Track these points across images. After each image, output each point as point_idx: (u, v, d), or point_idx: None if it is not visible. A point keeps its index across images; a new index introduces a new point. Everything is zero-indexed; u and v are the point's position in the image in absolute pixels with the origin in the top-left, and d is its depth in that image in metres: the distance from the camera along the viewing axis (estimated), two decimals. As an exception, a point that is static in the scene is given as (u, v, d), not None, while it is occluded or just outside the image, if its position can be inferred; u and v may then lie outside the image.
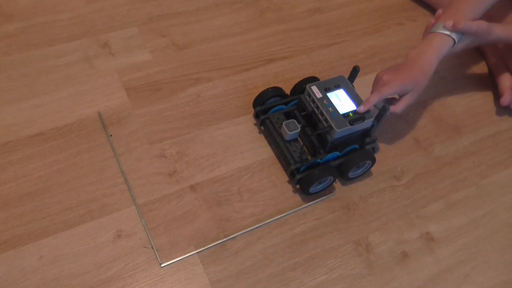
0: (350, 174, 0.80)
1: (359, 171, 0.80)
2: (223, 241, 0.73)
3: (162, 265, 0.70)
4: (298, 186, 0.78)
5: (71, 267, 0.68)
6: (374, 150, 0.83)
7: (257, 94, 0.83)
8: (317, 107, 0.77)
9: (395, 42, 1.03)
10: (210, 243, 0.72)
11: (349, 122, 0.75)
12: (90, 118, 0.83)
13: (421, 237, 0.77)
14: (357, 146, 0.79)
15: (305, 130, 0.80)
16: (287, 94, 0.86)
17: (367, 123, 0.77)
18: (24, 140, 0.79)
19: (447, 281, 0.74)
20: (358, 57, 0.99)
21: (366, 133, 0.80)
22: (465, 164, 0.87)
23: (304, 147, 0.79)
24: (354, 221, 0.77)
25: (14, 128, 0.80)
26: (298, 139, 0.80)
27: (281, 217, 0.76)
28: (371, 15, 1.08)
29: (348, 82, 0.80)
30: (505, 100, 0.92)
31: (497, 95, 0.97)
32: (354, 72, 0.82)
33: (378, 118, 0.78)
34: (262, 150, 0.83)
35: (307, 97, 0.79)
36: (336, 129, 0.74)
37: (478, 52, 1.05)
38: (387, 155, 0.86)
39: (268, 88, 0.83)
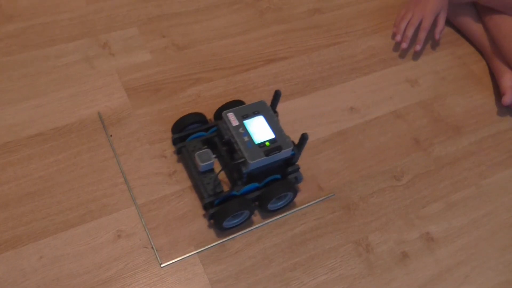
0: (270, 206, 0.74)
1: (280, 203, 0.75)
2: (223, 241, 0.73)
3: (162, 265, 0.70)
4: (212, 221, 0.74)
5: (71, 267, 0.68)
6: (297, 180, 0.76)
7: (182, 117, 0.78)
8: (233, 136, 0.71)
9: (394, 43, 1.03)
10: (210, 243, 0.72)
11: (265, 153, 0.69)
12: (90, 118, 0.83)
13: (421, 237, 0.77)
14: (279, 176, 0.74)
15: (224, 159, 0.74)
16: (209, 119, 0.81)
17: (285, 153, 0.71)
18: (24, 140, 0.79)
19: (447, 282, 0.74)
20: (357, 58, 0.99)
21: (288, 162, 0.75)
22: (465, 164, 0.87)
23: (218, 178, 0.74)
24: (354, 221, 0.77)
25: (14, 128, 0.80)
26: (214, 169, 0.75)
27: (281, 217, 0.76)
28: (371, 15, 1.08)
29: (268, 108, 0.74)
30: (507, 100, 0.92)
31: (498, 95, 0.97)
32: (276, 96, 0.76)
33: (299, 146, 0.73)
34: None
35: (224, 125, 0.73)
36: (249, 161, 0.68)
37: (478, 52, 1.05)
38: (387, 155, 0.86)
39: (189, 114, 0.78)
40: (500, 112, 0.95)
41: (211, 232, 0.73)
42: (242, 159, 0.69)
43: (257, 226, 0.75)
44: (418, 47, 0.99)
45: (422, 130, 0.90)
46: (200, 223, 0.74)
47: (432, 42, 1.05)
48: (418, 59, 1.01)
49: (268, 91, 0.91)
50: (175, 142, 0.78)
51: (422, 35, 0.98)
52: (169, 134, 0.82)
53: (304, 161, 0.82)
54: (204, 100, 0.88)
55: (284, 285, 0.70)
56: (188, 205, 0.76)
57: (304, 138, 0.72)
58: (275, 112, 0.77)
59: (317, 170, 0.82)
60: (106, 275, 0.68)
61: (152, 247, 0.71)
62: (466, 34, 1.06)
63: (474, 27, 1.04)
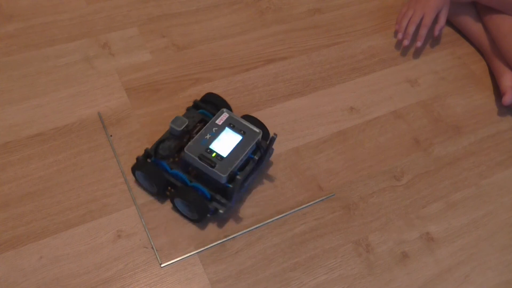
0: (176, 204, 0.73)
1: (186, 211, 0.73)
2: (223, 241, 0.73)
3: (162, 265, 0.70)
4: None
5: (71, 267, 0.68)
6: (216, 212, 0.71)
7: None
8: (203, 128, 0.74)
9: (394, 43, 1.03)
10: (210, 243, 0.72)
11: (200, 156, 0.69)
12: (90, 118, 0.83)
13: (421, 237, 0.77)
14: (207, 193, 0.71)
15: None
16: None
17: (214, 174, 0.69)
18: (24, 140, 0.79)
19: (447, 282, 0.74)
20: (357, 58, 0.99)
21: (225, 191, 0.71)
22: (465, 164, 0.87)
23: (176, 148, 0.73)
24: (354, 221, 0.77)
25: (14, 128, 0.80)
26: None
27: (281, 217, 0.76)
28: (371, 15, 1.08)
29: (257, 141, 0.73)
30: (507, 99, 0.92)
31: (498, 95, 0.97)
32: (272, 140, 0.73)
33: (268, 146, 0.72)
34: (262, 150, 0.83)
35: (209, 118, 0.76)
36: (185, 149, 0.70)
37: (478, 52, 1.05)
38: (387, 155, 0.86)
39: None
40: (500, 112, 0.95)
41: (211, 232, 0.73)
42: (186, 145, 0.71)
43: (257, 226, 0.75)
44: (419, 44, 0.99)
45: (422, 130, 0.90)
46: (200, 223, 0.74)
47: (433, 42, 1.05)
48: (418, 59, 1.01)
49: (268, 91, 0.91)
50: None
51: (423, 31, 0.99)
52: (169, 134, 0.83)
53: (304, 161, 0.83)
54: (204, 100, 0.88)
55: (284, 285, 0.70)
56: (188, 205, 0.76)
57: (271, 140, 0.71)
58: (266, 151, 0.74)
59: (317, 170, 0.82)
60: (106, 275, 0.68)
61: (152, 247, 0.71)
62: (466, 34, 1.06)
63: (474, 27, 1.04)
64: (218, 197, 0.71)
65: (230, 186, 0.70)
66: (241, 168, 0.72)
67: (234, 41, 0.98)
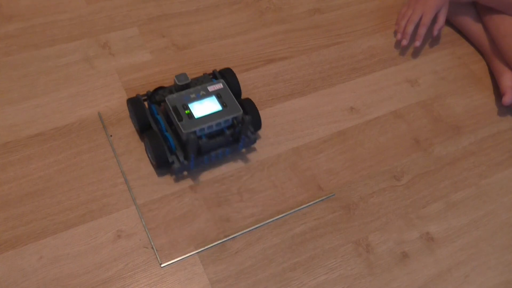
0: (146, 147, 0.78)
1: (150, 153, 0.77)
2: (223, 241, 0.73)
3: (162, 265, 0.70)
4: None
5: (71, 267, 0.68)
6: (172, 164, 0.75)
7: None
8: (192, 84, 0.79)
9: (394, 43, 1.03)
10: (210, 243, 0.72)
11: (174, 108, 0.74)
12: (90, 118, 0.83)
13: (421, 237, 0.77)
14: (172, 143, 0.75)
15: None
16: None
17: (179, 127, 0.73)
18: (24, 140, 0.79)
19: (447, 282, 0.74)
20: (357, 58, 0.99)
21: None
22: (465, 164, 0.87)
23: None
24: (354, 221, 0.77)
25: (14, 128, 0.80)
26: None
27: (281, 217, 0.76)
28: (371, 15, 1.08)
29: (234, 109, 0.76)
30: (507, 99, 0.92)
31: (498, 95, 0.97)
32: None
33: (242, 124, 0.75)
34: (262, 150, 0.83)
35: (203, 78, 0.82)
36: (166, 99, 0.75)
37: (478, 52, 1.05)
38: (387, 155, 0.86)
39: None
40: (500, 112, 0.95)
41: (211, 232, 0.73)
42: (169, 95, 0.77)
43: (257, 226, 0.75)
44: (417, 43, 0.99)
45: (422, 130, 0.90)
46: (200, 223, 0.74)
47: (432, 42, 1.05)
48: (418, 59, 1.01)
49: (268, 91, 0.91)
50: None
51: (422, 30, 0.99)
52: (169, 134, 0.83)
53: (304, 161, 0.83)
54: (204, 100, 0.88)
55: (284, 285, 0.70)
56: (188, 205, 0.76)
57: (243, 119, 0.74)
58: (240, 131, 0.76)
59: (317, 170, 0.82)
60: (106, 275, 0.68)
61: (152, 247, 0.71)
62: (466, 34, 1.06)
63: (474, 27, 1.04)
64: (179, 153, 0.75)
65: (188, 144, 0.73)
66: (211, 137, 0.75)
67: (234, 41, 0.98)
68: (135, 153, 0.80)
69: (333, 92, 0.93)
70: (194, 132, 0.72)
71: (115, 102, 0.86)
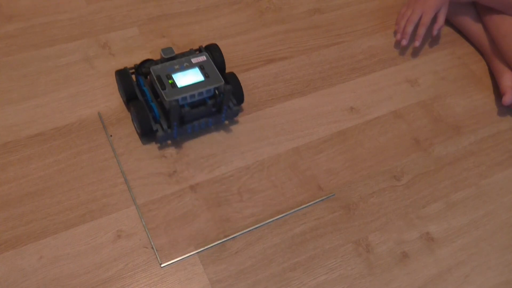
0: (132, 116, 0.82)
1: (135, 121, 0.80)
2: (223, 241, 0.73)
3: (162, 265, 0.70)
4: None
5: (71, 267, 0.68)
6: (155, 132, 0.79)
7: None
8: (177, 56, 0.82)
9: (394, 43, 1.03)
10: (210, 243, 0.72)
11: (156, 73, 0.78)
12: (90, 118, 0.83)
13: (421, 237, 0.77)
14: (155, 110, 0.79)
15: None
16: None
17: (162, 95, 0.76)
18: (24, 140, 0.79)
19: (447, 282, 0.74)
20: (357, 58, 0.99)
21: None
22: (465, 164, 0.87)
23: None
24: (354, 221, 0.77)
25: (14, 128, 0.80)
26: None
27: (281, 217, 0.76)
28: (371, 15, 1.08)
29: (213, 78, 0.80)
30: (507, 99, 0.92)
31: (498, 95, 0.97)
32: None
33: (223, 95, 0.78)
34: (262, 150, 0.83)
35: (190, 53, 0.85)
36: (151, 67, 0.79)
37: (478, 52, 1.05)
38: (387, 155, 0.86)
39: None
40: (500, 112, 0.95)
41: (211, 232, 0.73)
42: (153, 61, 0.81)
43: (257, 226, 0.75)
44: (417, 43, 0.99)
45: (422, 130, 0.90)
46: (200, 223, 0.74)
47: (432, 42, 1.05)
48: (418, 59, 1.01)
49: (268, 91, 0.91)
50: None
51: (421, 30, 0.98)
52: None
53: (304, 161, 0.83)
54: (204, 100, 0.88)
55: (284, 285, 0.70)
56: (188, 205, 0.76)
57: (224, 89, 0.77)
58: (222, 101, 0.80)
59: (317, 170, 0.82)
60: (106, 275, 0.68)
61: (152, 247, 0.71)
62: (466, 34, 1.06)
63: (474, 27, 1.04)
64: (163, 122, 0.78)
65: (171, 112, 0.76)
66: (194, 106, 0.78)
67: (234, 41, 0.98)
68: (135, 153, 0.80)
69: (333, 92, 0.93)
70: (177, 100, 0.75)
71: (115, 102, 0.86)
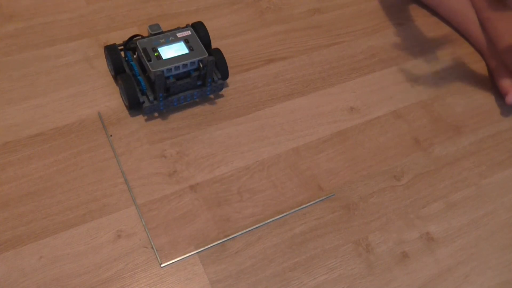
0: (120, 90, 0.84)
1: (123, 94, 0.83)
2: (223, 241, 0.73)
3: (162, 265, 0.70)
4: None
5: (71, 267, 0.68)
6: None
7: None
8: (163, 32, 0.85)
9: (394, 43, 1.03)
10: (210, 243, 0.72)
11: (142, 45, 0.81)
12: (90, 118, 0.83)
13: (421, 237, 0.77)
14: (142, 81, 0.82)
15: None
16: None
17: (148, 66, 0.79)
18: (24, 140, 0.79)
19: (447, 282, 0.74)
20: (357, 58, 1.00)
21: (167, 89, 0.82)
22: (465, 164, 0.87)
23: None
24: (354, 221, 0.77)
25: (14, 128, 0.80)
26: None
27: (281, 217, 0.76)
28: (371, 15, 1.08)
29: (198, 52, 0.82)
30: (510, 98, 0.92)
31: (498, 95, 0.97)
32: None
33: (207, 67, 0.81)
34: (262, 150, 0.83)
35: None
36: (138, 42, 0.82)
37: (478, 52, 1.05)
38: (387, 155, 0.86)
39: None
40: (500, 112, 0.95)
41: (211, 232, 0.73)
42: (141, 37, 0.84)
43: (257, 226, 0.75)
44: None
45: (422, 130, 0.90)
46: (200, 223, 0.74)
47: (432, 42, 1.05)
48: (418, 59, 1.01)
49: (268, 91, 0.91)
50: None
51: None
52: (169, 134, 0.82)
53: (304, 161, 0.83)
54: (204, 100, 0.88)
55: (284, 285, 0.70)
56: (188, 205, 0.76)
57: (208, 61, 0.80)
58: (205, 73, 0.82)
59: (317, 170, 0.82)
60: (106, 275, 0.68)
61: (152, 247, 0.71)
62: (464, 34, 1.06)
63: (472, 27, 1.04)
64: (150, 94, 0.81)
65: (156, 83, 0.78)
66: (179, 78, 0.82)
67: (234, 41, 0.98)
68: (135, 153, 0.80)
69: (333, 92, 0.93)
70: (162, 71, 0.78)
71: (115, 102, 0.86)
